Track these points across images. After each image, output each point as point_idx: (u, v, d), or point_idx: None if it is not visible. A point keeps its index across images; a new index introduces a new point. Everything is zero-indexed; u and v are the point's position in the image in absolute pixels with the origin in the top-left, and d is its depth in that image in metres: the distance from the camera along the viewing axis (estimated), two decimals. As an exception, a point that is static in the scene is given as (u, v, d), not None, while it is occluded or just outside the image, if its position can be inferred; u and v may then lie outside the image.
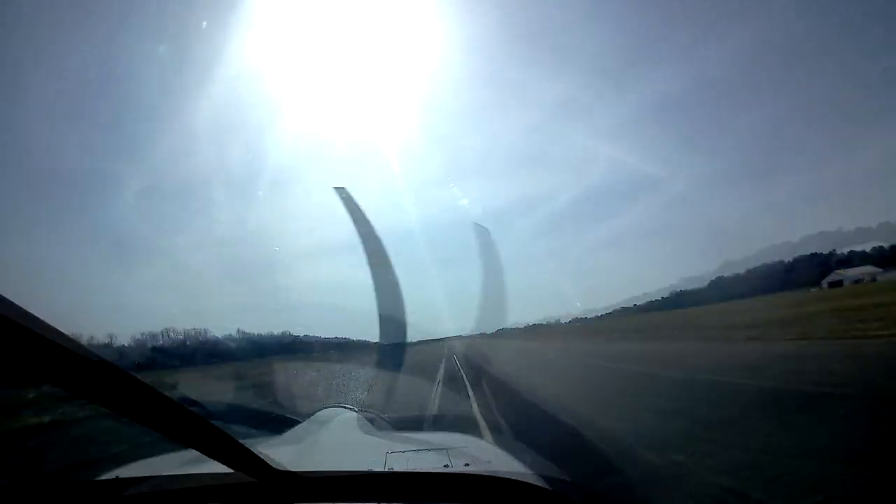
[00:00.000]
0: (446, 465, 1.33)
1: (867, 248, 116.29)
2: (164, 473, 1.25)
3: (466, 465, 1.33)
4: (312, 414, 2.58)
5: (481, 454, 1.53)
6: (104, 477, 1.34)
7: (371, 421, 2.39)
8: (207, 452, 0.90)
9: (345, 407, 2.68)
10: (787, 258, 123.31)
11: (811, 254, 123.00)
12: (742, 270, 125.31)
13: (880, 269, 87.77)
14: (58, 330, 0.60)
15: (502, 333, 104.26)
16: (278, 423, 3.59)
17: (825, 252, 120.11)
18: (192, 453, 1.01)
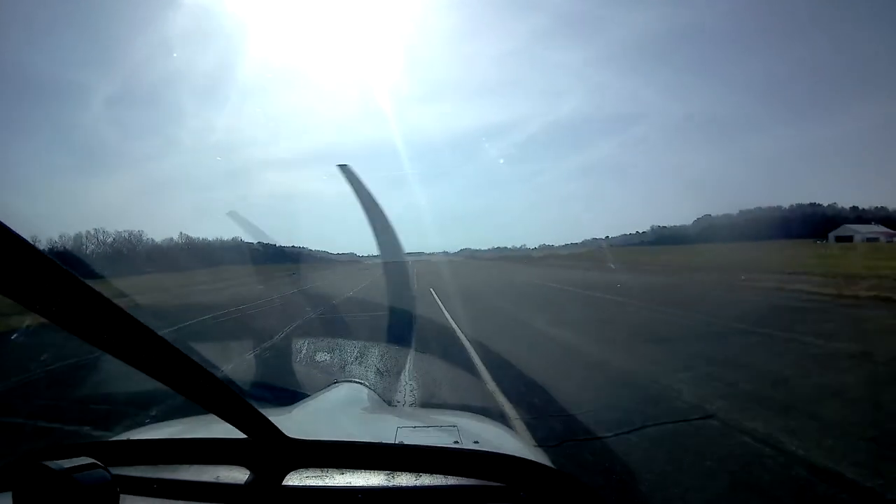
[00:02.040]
0: (456, 442, 1.32)
1: (869, 206, 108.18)
2: (176, 437, 1.31)
3: (476, 442, 1.33)
4: (323, 388, 2.36)
5: (490, 434, 1.57)
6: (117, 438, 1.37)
7: (382, 399, 2.38)
8: (222, 414, 0.90)
9: (357, 382, 2.55)
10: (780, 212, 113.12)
11: (811, 203, 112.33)
12: (735, 212, 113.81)
13: (893, 232, 79.66)
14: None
15: (465, 253, 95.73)
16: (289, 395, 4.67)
17: (827, 206, 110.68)
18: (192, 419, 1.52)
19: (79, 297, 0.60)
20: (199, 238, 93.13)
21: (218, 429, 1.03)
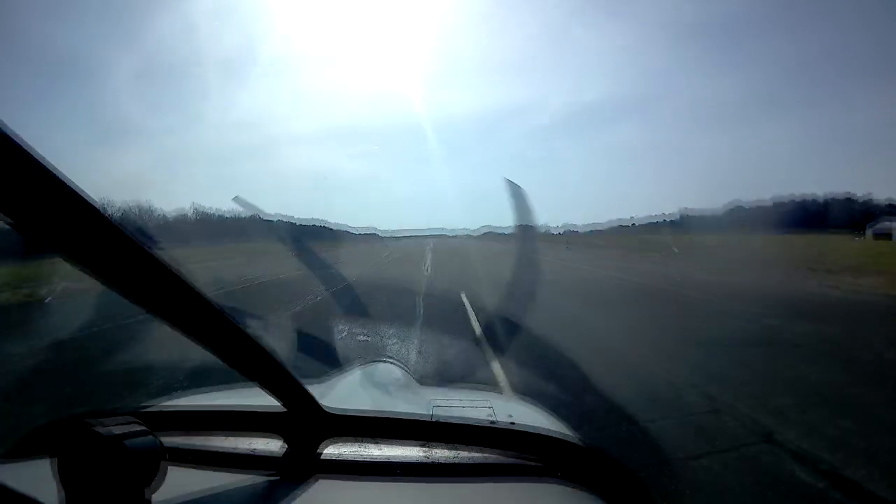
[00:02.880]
0: (492, 419, 1.27)
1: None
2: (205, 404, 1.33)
3: (511, 420, 1.25)
4: (356, 366, 2.26)
5: (526, 413, 1.55)
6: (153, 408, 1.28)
7: (415, 379, 2.30)
8: (263, 382, 0.91)
9: (391, 362, 2.48)
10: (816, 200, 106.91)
11: (846, 198, 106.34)
12: (768, 201, 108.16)
13: None
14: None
15: (486, 232, 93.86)
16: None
17: (862, 198, 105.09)
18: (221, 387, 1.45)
19: (130, 256, 0.59)
20: (213, 211, 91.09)
21: (253, 398, 1.06)
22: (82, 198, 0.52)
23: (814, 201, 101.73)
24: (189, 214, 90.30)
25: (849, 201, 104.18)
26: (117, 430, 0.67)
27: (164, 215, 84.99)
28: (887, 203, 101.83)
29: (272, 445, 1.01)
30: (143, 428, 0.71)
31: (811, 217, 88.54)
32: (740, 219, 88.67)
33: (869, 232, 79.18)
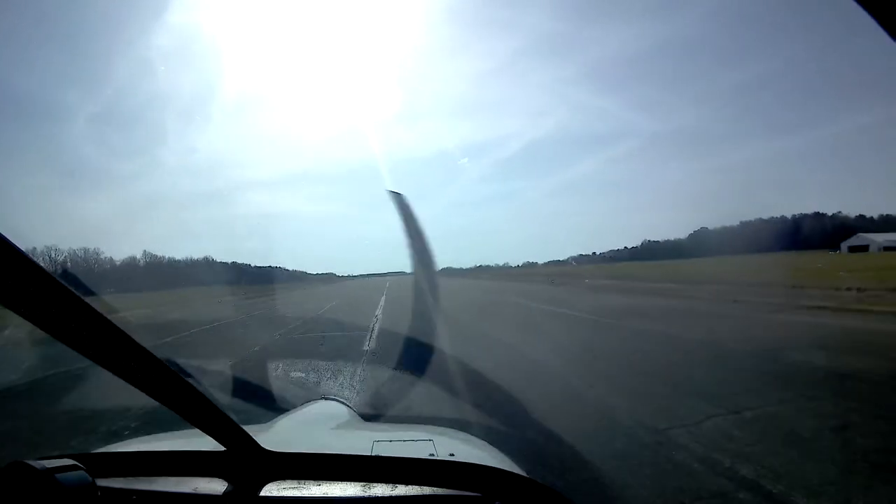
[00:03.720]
0: (431, 454, 1.31)
1: (876, 215, 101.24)
2: (154, 449, 1.28)
3: (451, 455, 1.30)
4: (300, 405, 2.35)
5: (467, 447, 1.56)
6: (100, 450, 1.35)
7: (360, 415, 2.35)
8: (203, 426, 0.94)
9: (336, 400, 2.51)
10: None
11: (815, 213, 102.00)
12: (735, 222, 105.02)
13: None
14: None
15: (447, 272, 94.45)
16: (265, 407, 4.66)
17: (829, 214, 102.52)
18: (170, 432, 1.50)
19: (67, 305, 0.63)
20: (165, 257, 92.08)
21: (198, 442, 1.08)
22: (11, 246, 0.56)
23: (783, 219, 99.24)
24: (139, 260, 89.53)
25: (818, 217, 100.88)
26: (49, 464, 0.72)
27: (111, 260, 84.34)
28: (857, 217, 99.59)
29: (215, 486, 1.01)
30: (75, 463, 0.76)
31: (784, 237, 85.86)
32: (705, 243, 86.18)
33: (844, 247, 77.57)
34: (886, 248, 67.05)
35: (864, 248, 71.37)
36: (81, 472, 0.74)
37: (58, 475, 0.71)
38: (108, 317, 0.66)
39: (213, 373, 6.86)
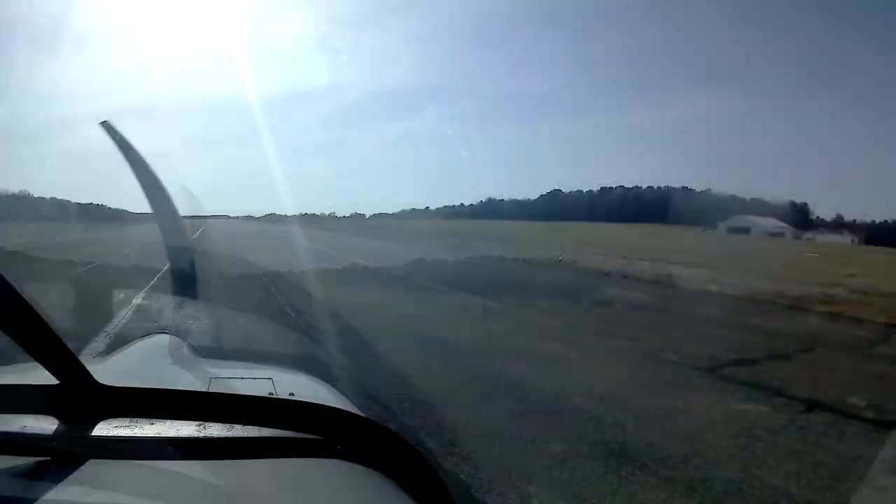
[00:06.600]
0: (270, 393, 1.24)
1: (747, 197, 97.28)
2: None
3: (291, 394, 1.23)
4: (135, 340, 2.16)
5: (307, 387, 1.53)
6: None
7: (196, 350, 2.20)
8: (34, 353, 0.86)
9: (169, 333, 2.36)
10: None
11: (683, 187, 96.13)
12: (586, 188, 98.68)
13: (793, 228, 73.51)
14: None
15: (269, 218, 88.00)
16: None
17: (698, 190, 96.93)
18: None
19: None
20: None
21: (30, 376, 1.02)
22: None
23: (649, 189, 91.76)
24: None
25: (686, 191, 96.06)
26: None
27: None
28: (730, 196, 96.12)
29: (44, 425, 0.94)
30: None
31: (647, 207, 77.88)
32: (557, 208, 77.03)
33: (722, 227, 74.30)
34: (771, 234, 66.39)
35: (745, 231, 69.32)
36: None
37: None
38: None
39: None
